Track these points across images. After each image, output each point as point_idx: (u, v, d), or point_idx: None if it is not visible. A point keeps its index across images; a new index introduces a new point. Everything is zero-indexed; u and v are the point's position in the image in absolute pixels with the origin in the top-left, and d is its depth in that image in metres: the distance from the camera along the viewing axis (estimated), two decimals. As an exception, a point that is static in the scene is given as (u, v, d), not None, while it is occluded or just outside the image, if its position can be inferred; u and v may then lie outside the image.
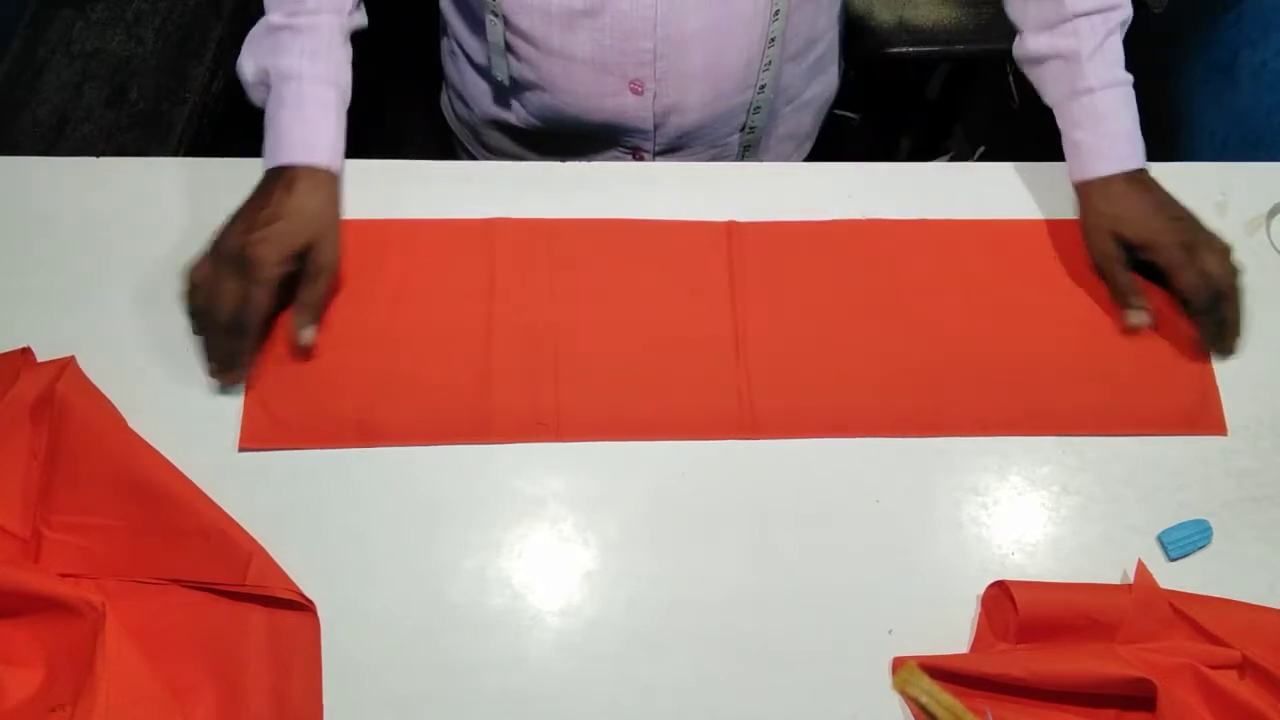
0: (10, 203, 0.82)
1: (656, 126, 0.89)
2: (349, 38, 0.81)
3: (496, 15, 0.82)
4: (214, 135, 1.08)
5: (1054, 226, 0.83)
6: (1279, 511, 0.73)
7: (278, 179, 0.73)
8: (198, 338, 0.73)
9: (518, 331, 0.76)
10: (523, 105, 0.91)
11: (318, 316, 0.74)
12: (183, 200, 0.82)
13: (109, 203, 0.82)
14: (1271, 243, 0.84)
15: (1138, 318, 0.78)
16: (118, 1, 1.11)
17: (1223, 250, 0.77)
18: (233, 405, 0.74)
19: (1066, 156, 0.82)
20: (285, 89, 0.76)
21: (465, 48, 0.93)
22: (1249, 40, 1.33)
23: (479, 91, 0.95)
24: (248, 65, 0.79)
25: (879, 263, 0.81)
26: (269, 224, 0.71)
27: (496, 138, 0.98)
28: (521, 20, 0.82)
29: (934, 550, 0.71)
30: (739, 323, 0.77)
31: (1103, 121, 0.79)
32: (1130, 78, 0.81)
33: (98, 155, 0.85)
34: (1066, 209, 0.84)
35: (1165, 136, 1.49)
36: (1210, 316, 0.77)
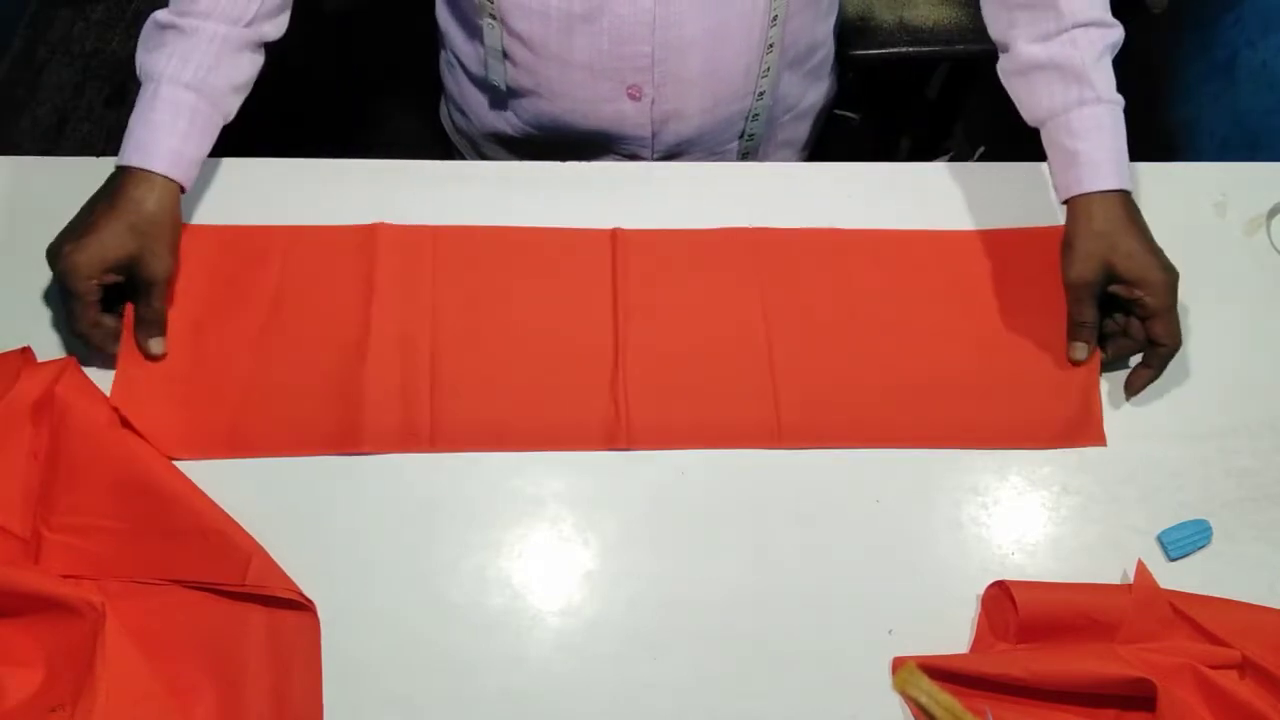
0: (10, 203, 0.82)
1: (654, 133, 0.89)
2: (256, 48, 0.79)
3: (494, 19, 0.82)
4: (214, 135, 1.08)
5: (952, 236, 0.82)
6: (1279, 511, 0.73)
7: (112, 183, 0.72)
8: None
9: (394, 341, 0.74)
10: (520, 113, 0.91)
11: (158, 330, 0.72)
12: (183, 200, 0.82)
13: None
14: (1271, 243, 0.84)
15: (1082, 352, 0.75)
16: (118, 1, 1.11)
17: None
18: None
19: (1056, 170, 0.78)
20: (145, 89, 0.73)
21: (462, 57, 0.93)
22: (1249, 40, 1.33)
23: (476, 102, 0.95)
24: (137, 58, 0.76)
25: (763, 271, 0.79)
26: (85, 235, 0.69)
27: (494, 149, 0.98)
28: (519, 24, 0.81)
29: (934, 550, 0.71)
30: (620, 332, 0.76)
31: (1106, 134, 0.76)
32: (1123, 100, 0.78)
33: (98, 155, 0.85)
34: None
35: (1165, 136, 1.49)
36: (1158, 368, 0.74)
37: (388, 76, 1.11)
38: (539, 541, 0.70)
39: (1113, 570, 0.70)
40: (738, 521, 0.71)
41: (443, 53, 0.98)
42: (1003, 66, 0.82)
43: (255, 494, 0.70)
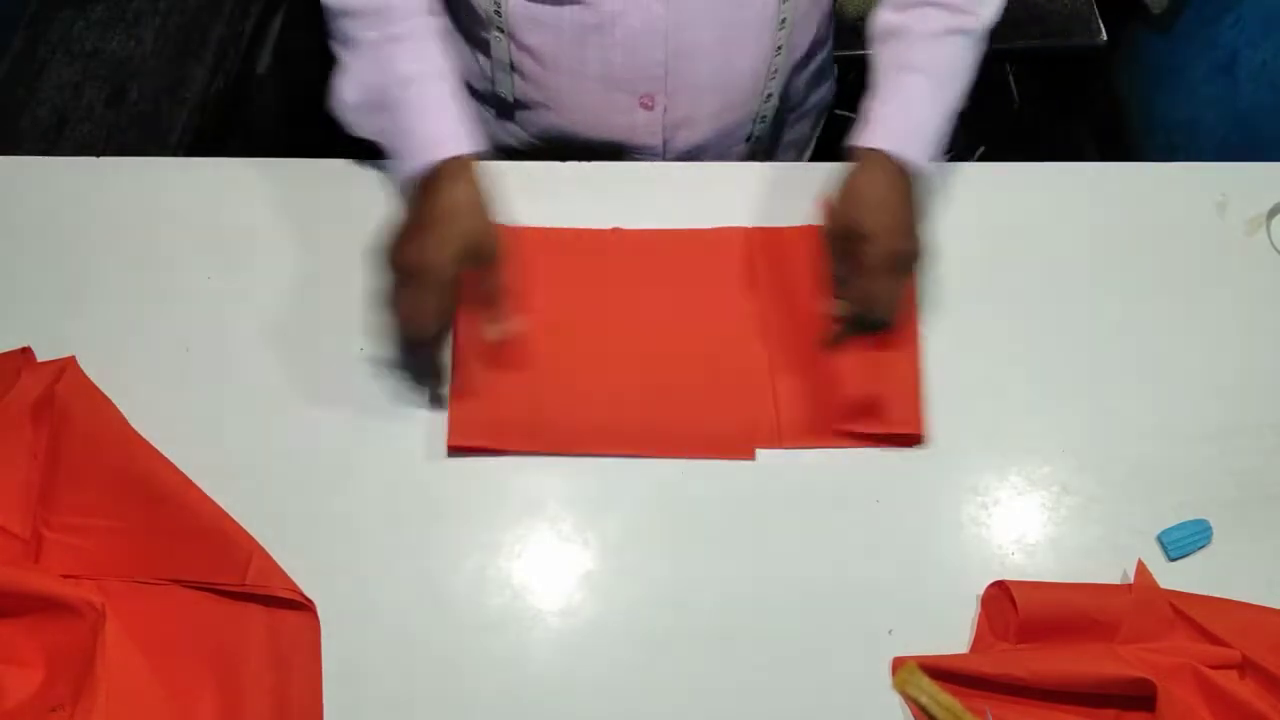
0: (10, 203, 0.82)
1: (666, 141, 0.89)
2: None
3: (502, 32, 0.81)
4: (214, 135, 1.08)
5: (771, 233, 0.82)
6: (1279, 511, 0.73)
7: (421, 183, 0.72)
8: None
9: (717, 341, 0.77)
10: (526, 126, 0.91)
11: (503, 305, 0.73)
12: (183, 200, 0.82)
13: (109, 203, 0.82)
14: (1271, 243, 0.84)
15: (836, 305, 0.73)
16: (118, 1, 1.11)
17: (900, 291, 0.72)
18: (232, 406, 0.74)
19: (860, 123, 0.76)
20: (405, 94, 0.74)
21: (466, 73, 0.91)
22: (1249, 40, 1.33)
23: (482, 118, 0.94)
24: (350, 90, 0.77)
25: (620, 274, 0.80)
26: (428, 231, 0.69)
27: (498, 161, 0.98)
28: (529, 36, 0.81)
29: (934, 550, 0.71)
30: (766, 333, 0.77)
31: (908, 103, 0.74)
32: (957, 89, 0.76)
33: (98, 155, 0.85)
34: (1067, 208, 0.84)
35: (1165, 136, 1.49)
36: (849, 326, 0.73)
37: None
38: (539, 541, 0.70)
39: (1113, 570, 0.70)
40: (738, 521, 0.71)
41: None
42: (868, 27, 0.81)
43: (256, 494, 0.70)
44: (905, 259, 0.72)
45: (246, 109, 1.16)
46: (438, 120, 0.73)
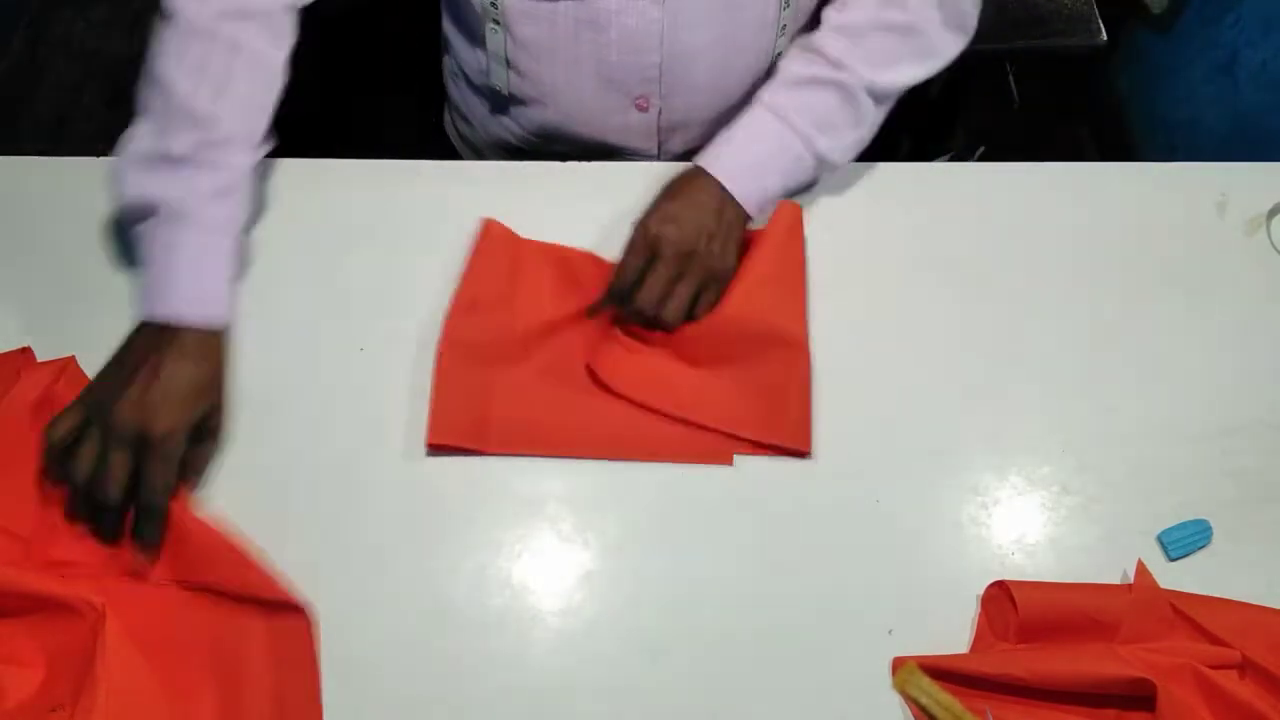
0: (10, 203, 0.82)
1: (661, 143, 0.89)
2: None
3: (499, 25, 0.81)
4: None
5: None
6: (1279, 511, 0.73)
7: (168, 339, 0.67)
8: (75, 511, 0.66)
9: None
10: (523, 121, 0.91)
11: (199, 479, 0.70)
12: (183, 200, 0.82)
13: (109, 203, 0.82)
14: (1271, 243, 0.84)
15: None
16: (118, 1, 1.11)
17: (668, 290, 0.74)
18: (232, 406, 0.74)
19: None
20: (179, 234, 0.69)
21: (464, 65, 0.92)
22: (1249, 40, 1.33)
23: (478, 109, 0.94)
24: (130, 183, 0.70)
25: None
26: (169, 395, 0.65)
27: (498, 156, 0.98)
28: (525, 29, 0.81)
29: (934, 550, 0.71)
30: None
31: (743, 134, 0.78)
32: (812, 140, 0.78)
33: (98, 155, 0.85)
34: (1068, 209, 0.84)
35: (1165, 136, 1.49)
36: (609, 301, 0.75)
37: (391, 83, 1.11)
38: (539, 541, 0.70)
39: (1113, 570, 0.70)
40: (738, 521, 0.71)
41: (446, 59, 0.98)
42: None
43: (256, 493, 0.70)
44: (674, 251, 0.73)
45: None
46: (202, 280, 0.69)
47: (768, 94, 0.79)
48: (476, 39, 0.86)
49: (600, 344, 0.75)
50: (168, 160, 0.69)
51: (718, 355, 0.75)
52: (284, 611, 0.66)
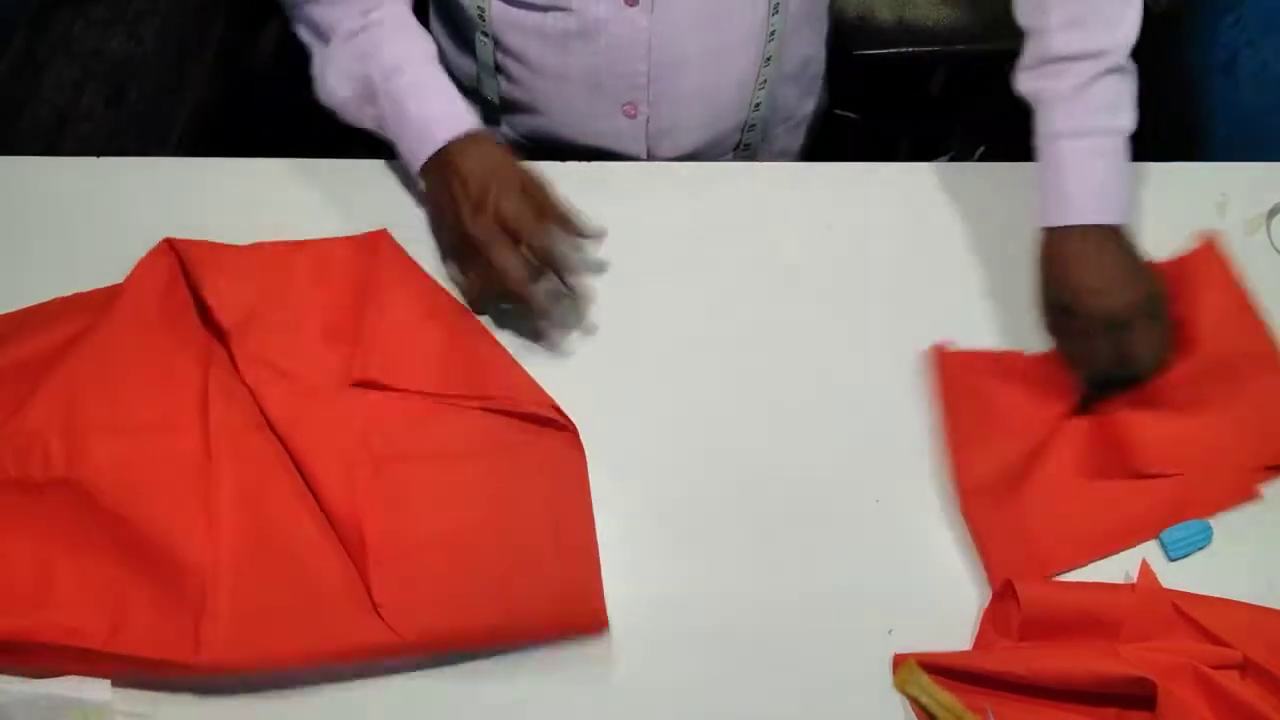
0: (10, 203, 0.82)
1: (650, 150, 0.88)
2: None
3: (486, 35, 0.81)
4: (214, 135, 1.08)
5: None
6: (1279, 511, 0.73)
7: (448, 162, 0.73)
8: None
9: None
10: (513, 127, 0.91)
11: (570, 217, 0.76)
12: (183, 200, 0.82)
13: (109, 203, 0.82)
14: (1271, 243, 0.84)
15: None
16: (118, 1, 1.11)
17: (1159, 332, 0.73)
18: (233, 405, 0.74)
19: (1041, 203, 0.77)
20: (398, 83, 0.75)
21: (454, 70, 0.91)
22: (1249, 40, 1.33)
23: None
24: (337, 86, 0.78)
25: None
26: (486, 190, 0.71)
27: None
28: (513, 40, 0.81)
29: (934, 550, 0.71)
30: None
31: (1063, 170, 0.74)
32: (1119, 127, 0.75)
33: (98, 155, 0.85)
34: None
35: (1165, 136, 1.49)
36: (1098, 391, 0.74)
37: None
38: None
39: (1114, 570, 0.70)
40: (738, 521, 0.71)
41: None
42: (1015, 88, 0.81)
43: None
44: (1121, 314, 0.71)
45: (246, 109, 1.16)
46: (436, 103, 0.74)
47: (1057, 124, 0.75)
48: (466, 48, 0.86)
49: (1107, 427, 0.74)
50: (348, 38, 0.76)
51: (1211, 397, 0.74)
52: (553, 427, 0.70)
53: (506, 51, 0.82)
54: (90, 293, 0.76)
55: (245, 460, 0.68)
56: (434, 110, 0.74)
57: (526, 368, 0.75)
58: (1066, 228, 0.73)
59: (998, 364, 0.77)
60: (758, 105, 0.88)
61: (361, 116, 0.78)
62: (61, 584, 0.64)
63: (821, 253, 0.82)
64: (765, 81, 0.87)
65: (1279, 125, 1.27)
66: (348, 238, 0.79)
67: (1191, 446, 0.73)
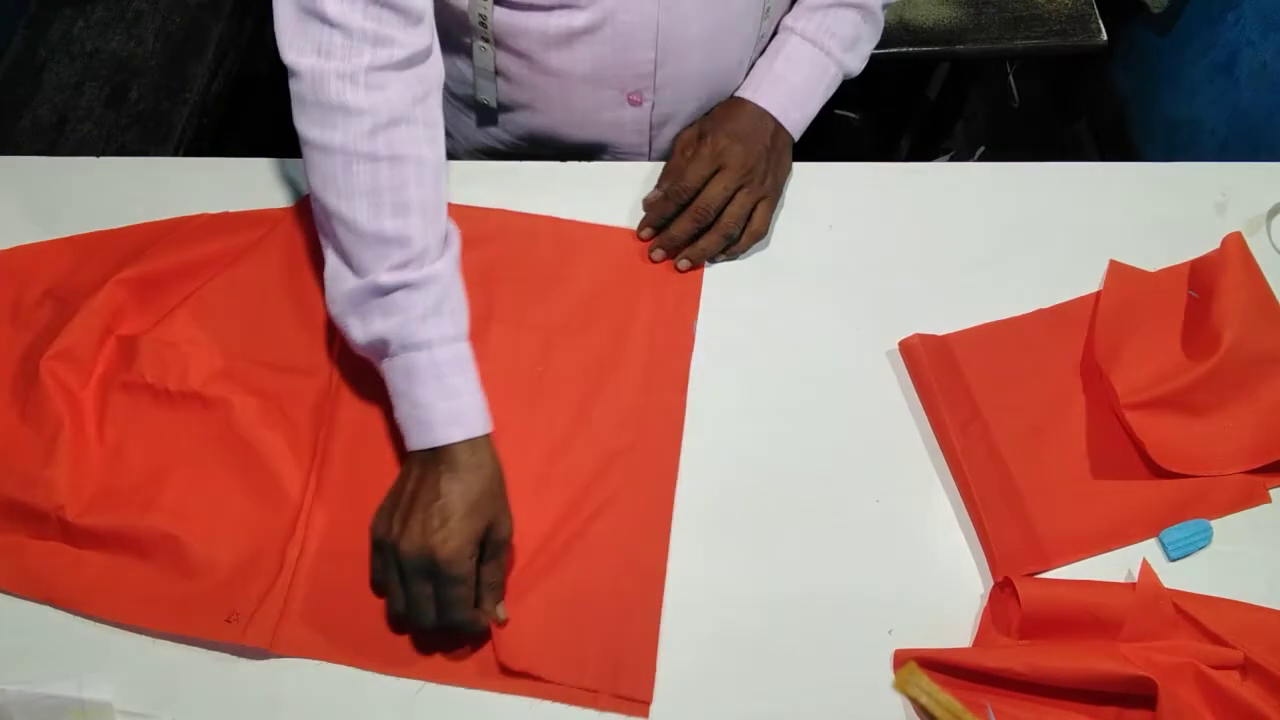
0: (10, 203, 0.82)
1: (651, 140, 0.88)
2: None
3: (487, 41, 0.80)
4: (214, 135, 1.08)
5: None
6: (1279, 511, 0.73)
7: (436, 461, 0.65)
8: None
9: None
10: (510, 128, 0.89)
11: (502, 590, 0.68)
12: (183, 200, 0.82)
13: (109, 203, 0.82)
14: (1271, 243, 0.84)
15: (650, 196, 0.82)
16: (118, 1, 1.11)
17: (743, 199, 0.79)
18: (233, 405, 0.74)
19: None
20: (415, 360, 0.66)
21: (447, 77, 0.90)
22: (1249, 40, 1.33)
23: (463, 123, 0.93)
24: (356, 328, 0.68)
25: None
26: (448, 518, 0.64)
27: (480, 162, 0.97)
28: (516, 43, 0.80)
29: (934, 550, 0.71)
30: None
31: (778, 60, 0.83)
32: (840, 58, 0.83)
33: (98, 155, 0.85)
34: (1067, 208, 0.84)
35: (1165, 136, 1.49)
36: (662, 203, 0.80)
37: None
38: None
39: (1115, 570, 0.70)
40: (737, 521, 0.71)
41: None
42: None
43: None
44: (738, 164, 0.79)
45: (246, 109, 1.16)
46: (451, 399, 0.66)
47: (798, 21, 0.83)
48: (462, 53, 0.85)
49: (1137, 418, 0.73)
50: (376, 293, 0.66)
51: (1238, 391, 0.74)
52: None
53: (508, 54, 0.81)
54: (241, 214, 0.80)
55: (356, 415, 0.73)
56: (444, 407, 0.66)
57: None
58: (751, 102, 0.83)
59: (965, 341, 0.78)
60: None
61: (370, 354, 0.70)
62: (170, 490, 0.69)
63: (821, 253, 0.82)
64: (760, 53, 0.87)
65: (1279, 125, 1.27)
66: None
67: (1211, 447, 0.73)
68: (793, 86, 0.83)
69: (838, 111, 1.10)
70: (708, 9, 0.79)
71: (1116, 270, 0.79)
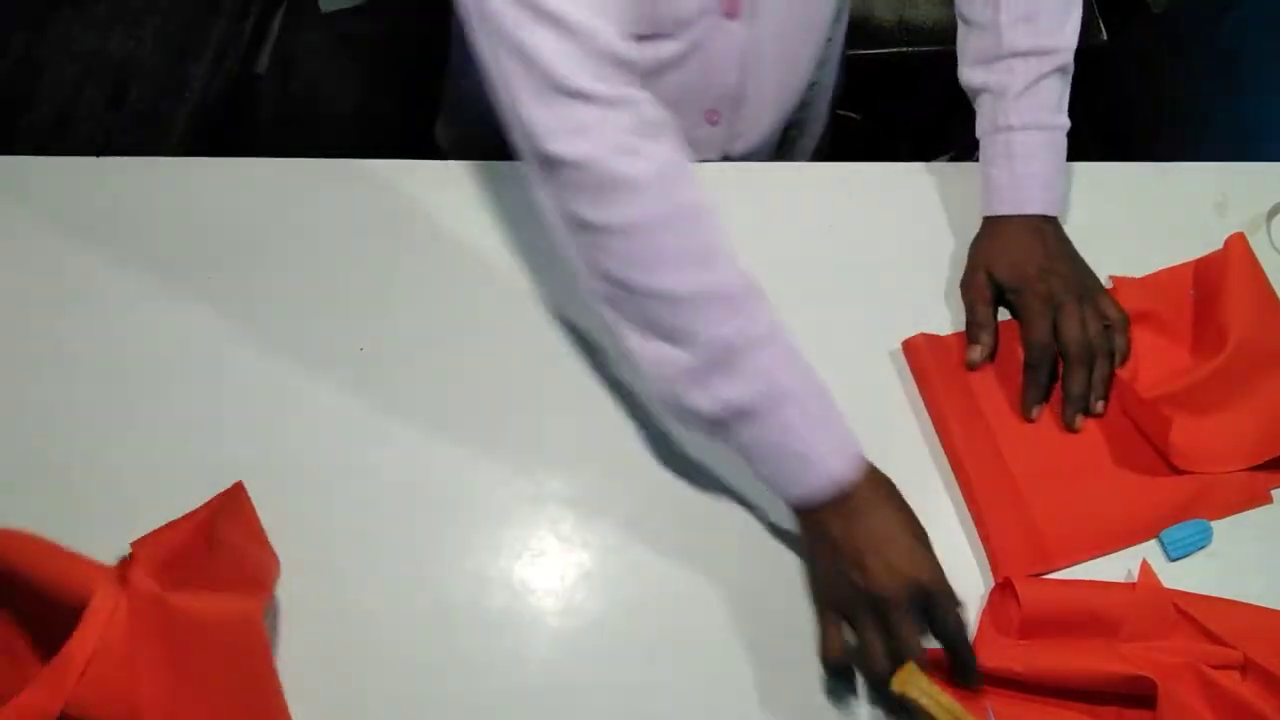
0: (10, 203, 0.82)
1: (724, 154, 0.88)
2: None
3: None
4: (214, 135, 1.08)
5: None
6: (1279, 512, 0.73)
7: (867, 497, 0.62)
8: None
9: None
10: None
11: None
12: (183, 200, 0.82)
13: (109, 203, 0.82)
14: (1271, 243, 0.84)
15: (973, 353, 0.76)
16: (118, 1, 1.11)
17: (1091, 315, 0.74)
18: (232, 406, 0.74)
19: (980, 191, 0.81)
20: (786, 411, 0.61)
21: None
22: (1249, 40, 1.33)
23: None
24: (703, 403, 0.61)
25: None
26: (922, 547, 0.62)
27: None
28: None
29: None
30: None
31: (1015, 161, 0.78)
32: (1063, 124, 0.79)
33: (98, 155, 0.85)
34: (1068, 209, 0.84)
35: (1165, 136, 1.49)
36: (1035, 373, 0.74)
37: (384, 92, 1.10)
38: (539, 541, 0.70)
39: (1115, 570, 0.70)
40: (738, 521, 0.71)
41: (452, 64, 0.95)
42: (959, 78, 0.84)
43: (256, 494, 0.70)
44: (1065, 289, 0.74)
45: (246, 109, 1.16)
46: (831, 433, 0.62)
47: (1010, 116, 0.78)
48: None
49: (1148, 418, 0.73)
50: (726, 358, 0.60)
51: (1240, 391, 0.74)
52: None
53: None
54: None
55: None
56: (831, 444, 0.62)
57: (524, 379, 0.75)
58: (1013, 216, 0.77)
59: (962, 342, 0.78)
60: (814, 84, 0.89)
61: (718, 432, 0.64)
62: None
63: (821, 253, 0.82)
64: (826, 60, 0.87)
65: (1279, 125, 1.27)
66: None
67: (1216, 444, 0.73)
68: (1034, 178, 0.78)
69: (838, 111, 1.10)
70: (785, 23, 0.79)
71: (1120, 285, 0.80)
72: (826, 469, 0.61)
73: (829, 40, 0.84)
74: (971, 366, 0.76)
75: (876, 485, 0.63)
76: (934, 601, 0.61)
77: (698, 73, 0.79)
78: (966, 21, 0.81)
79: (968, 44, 0.81)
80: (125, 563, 0.63)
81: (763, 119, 0.86)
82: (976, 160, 0.82)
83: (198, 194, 0.82)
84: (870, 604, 0.60)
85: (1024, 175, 0.78)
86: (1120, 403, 0.75)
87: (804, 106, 0.90)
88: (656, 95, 0.69)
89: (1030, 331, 0.74)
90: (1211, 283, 0.78)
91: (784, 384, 0.61)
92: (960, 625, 0.61)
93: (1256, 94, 1.32)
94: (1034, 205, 0.77)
